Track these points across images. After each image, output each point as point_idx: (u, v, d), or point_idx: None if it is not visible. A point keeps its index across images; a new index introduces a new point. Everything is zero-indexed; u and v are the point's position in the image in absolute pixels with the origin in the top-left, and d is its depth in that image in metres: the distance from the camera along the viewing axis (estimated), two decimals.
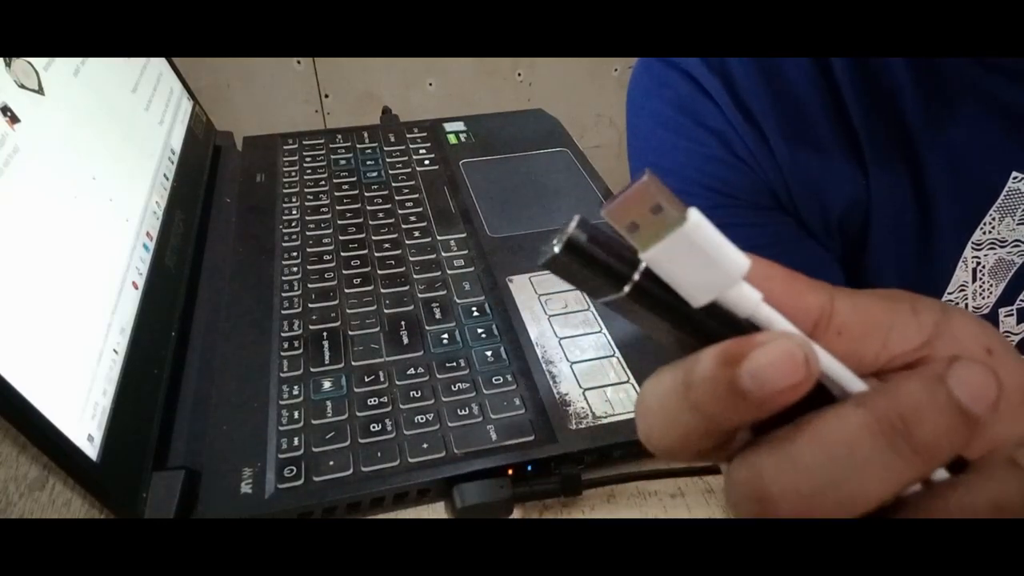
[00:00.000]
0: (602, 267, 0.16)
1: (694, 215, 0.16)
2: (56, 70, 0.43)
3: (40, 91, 0.41)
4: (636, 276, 0.16)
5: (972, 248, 0.44)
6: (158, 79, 0.59)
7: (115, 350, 0.39)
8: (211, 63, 1.22)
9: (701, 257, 0.16)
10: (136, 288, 0.43)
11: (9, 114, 0.37)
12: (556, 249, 0.16)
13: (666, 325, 0.17)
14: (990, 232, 0.43)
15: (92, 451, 0.34)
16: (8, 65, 0.39)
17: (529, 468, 0.38)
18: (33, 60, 0.41)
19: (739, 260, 0.16)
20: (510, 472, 0.37)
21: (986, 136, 0.41)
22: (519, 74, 1.42)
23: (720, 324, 0.17)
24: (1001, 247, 0.44)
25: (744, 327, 0.17)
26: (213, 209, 0.58)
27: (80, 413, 0.34)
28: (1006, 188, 0.42)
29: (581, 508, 0.38)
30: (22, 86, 0.39)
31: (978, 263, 0.44)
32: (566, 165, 0.63)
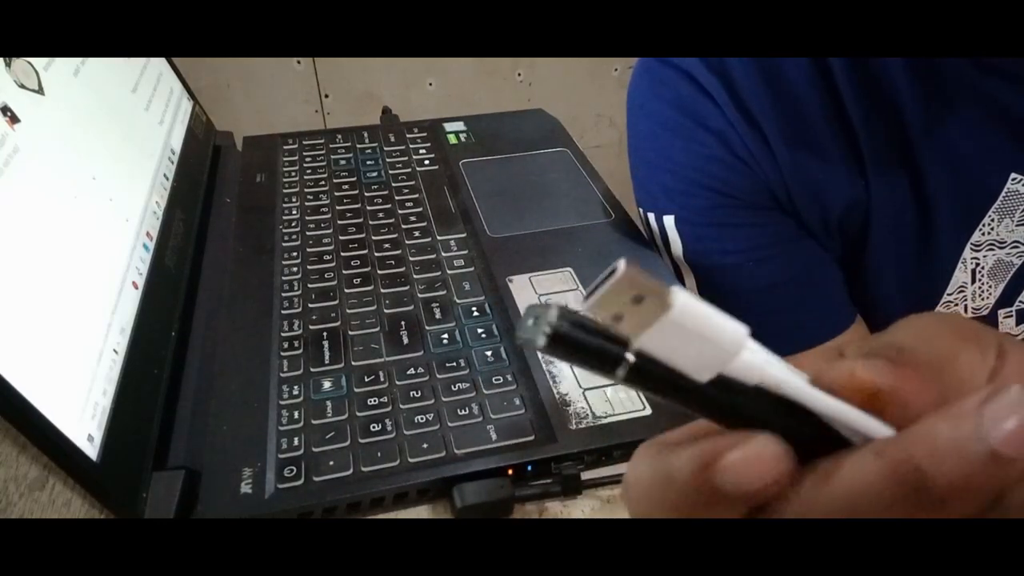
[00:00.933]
0: (592, 353, 0.15)
1: (679, 298, 0.15)
2: (56, 70, 0.43)
3: (40, 91, 0.41)
4: (630, 358, 0.15)
5: (971, 249, 0.44)
6: (158, 79, 0.59)
7: (115, 350, 0.39)
8: (211, 63, 1.22)
9: (694, 337, 0.15)
10: (136, 288, 0.43)
11: (9, 114, 0.37)
12: (540, 342, 0.15)
13: (671, 400, 0.17)
14: (989, 233, 0.43)
15: (92, 451, 0.34)
16: (8, 65, 0.39)
17: (529, 468, 0.38)
18: (33, 60, 0.41)
19: (734, 331, 0.15)
20: (510, 472, 0.37)
21: (985, 138, 0.41)
22: (519, 74, 1.42)
23: (727, 393, 0.16)
24: (1000, 248, 0.44)
25: (753, 394, 0.16)
26: (213, 209, 0.58)
27: (80, 413, 0.34)
28: (1005, 189, 0.42)
29: (581, 508, 0.38)
30: (22, 86, 0.39)
31: (977, 264, 0.44)
32: (566, 165, 0.63)
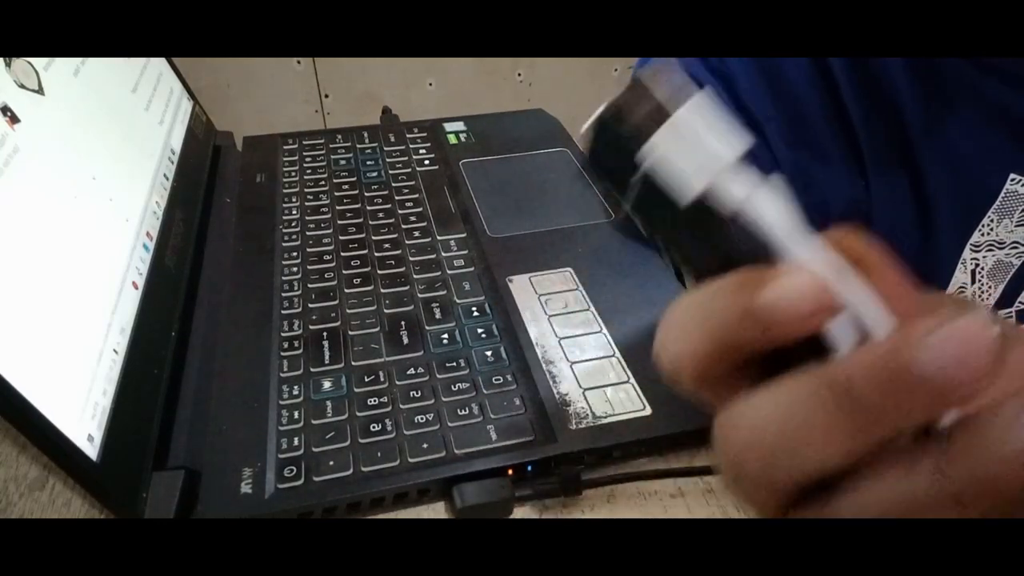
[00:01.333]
0: (622, 144, 0.16)
1: (693, 98, 0.16)
2: (56, 70, 0.43)
3: (40, 91, 0.41)
4: (645, 158, 0.16)
5: (971, 249, 0.44)
6: (158, 79, 0.59)
7: (115, 350, 0.39)
8: (211, 63, 1.22)
9: (695, 139, 0.16)
10: (136, 288, 0.43)
11: (9, 114, 0.37)
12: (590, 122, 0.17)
13: (660, 232, 0.17)
14: (988, 234, 0.43)
15: (92, 451, 0.34)
16: (8, 65, 0.39)
17: (529, 468, 0.38)
18: (33, 60, 0.41)
19: (730, 141, 0.16)
20: (510, 472, 0.37)
21: (984, 138, 0.41)
22: (519, 74, 1.42)
23: (705, 217, 0.17)
24: (999, 249, 0.44)
25: (728, 224, 0.17)
26: (213, 209, 0.58)
27: (80, 413, 0.34)
28: (1004, 190, 0.42)
29: (581, 508, 0.38)
30: (22, 86, 0.39)
31: (977, 265, 0.44)
32: (566, 165, 0.63)
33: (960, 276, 0.45)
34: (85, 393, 0.35)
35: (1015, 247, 0.44)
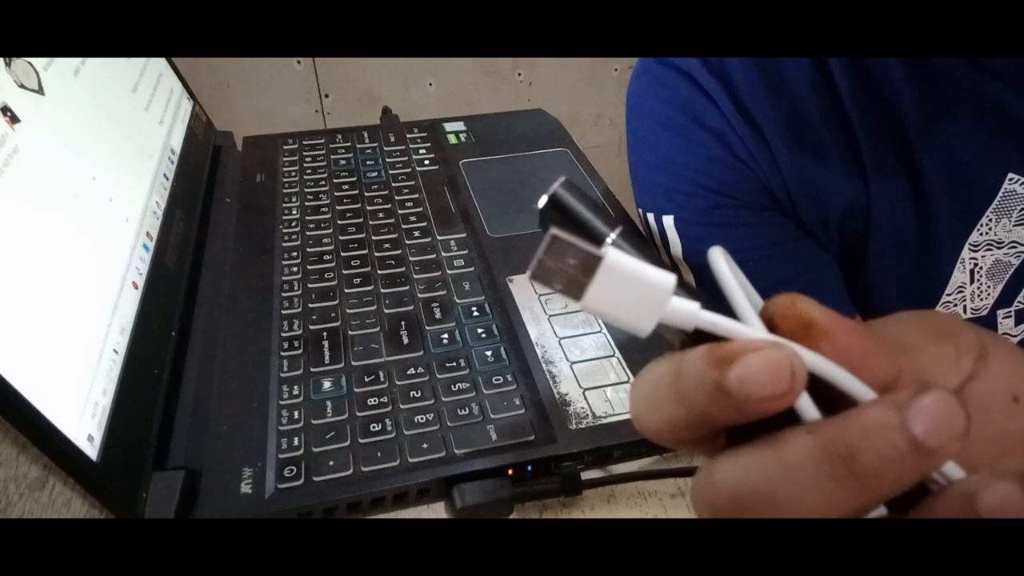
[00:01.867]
0: (584, 222, 0.18)
1: (610, 251, 0.17)
2: (56, 70, 0.43)
3: (40, 91, 0.41)
4: (611, 237, 0.18)
5: (969, 249, 0.44)
6: (158, 79, 0.59)
7: (115, 350, 0.39)
8: (211, 63, 1.22)
9: (629, 286, 0.17)
10: (136, 288, 0.43)
11: (9, 114, 0.37)
12: (539, 203, 0.18)
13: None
14: (987, 233, 0.43)
15: (92, 451, 0.34)
16: (8, 65, 0.39)
17: (529, 468, 0.38)
18: (33, 60, 0.41)
19: (662, 278, 0.17)
20: (510, 472, 0.37)
21: (983, 139, 0.41)
22: (519, 74, 1.42)
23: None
24: (998, 248, 0.44)
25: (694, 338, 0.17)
26: (213, 209, 0.58)
27: (80, 413, 0.34)
28: (1002, 189, 0.42)
29: (581, 508, 0.38)
30: (22, 86, 0.39)
31: (976, 264, 0.44)
32: (566, 165, 0.63)
33: (959, 276, 0.45)
34: (85, 393, 0.35)
35: (1013, 246, 0.44)
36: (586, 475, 0.38)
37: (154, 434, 0.38)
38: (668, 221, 0.48)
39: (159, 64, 0.60)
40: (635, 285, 0.17)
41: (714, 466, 0.17)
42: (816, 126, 0.43)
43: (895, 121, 0.42)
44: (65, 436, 0.32)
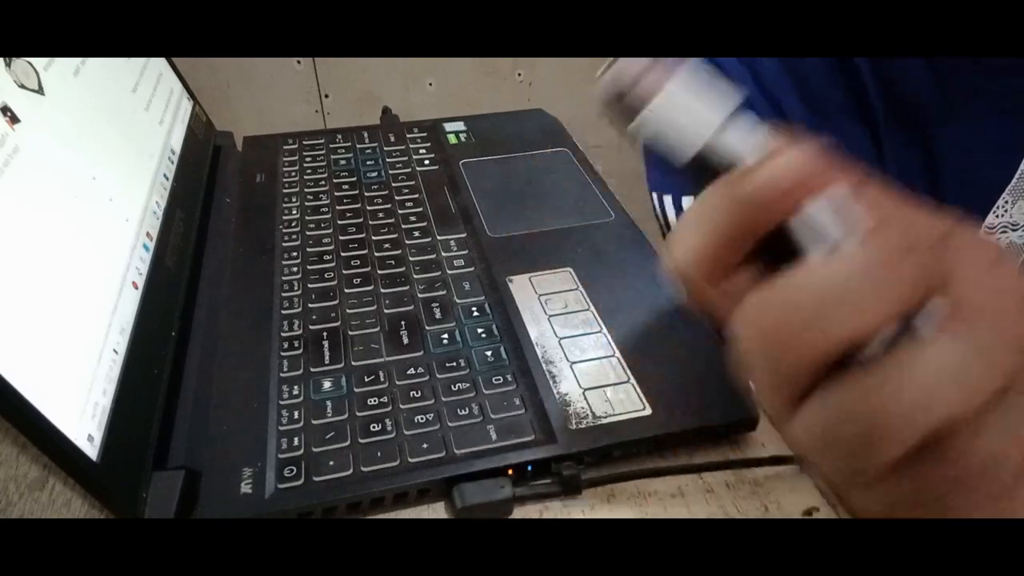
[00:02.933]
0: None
1: (682, 68, 0.19)
2: (56, 70, 0.43)
3: (40, 91, 0.41)
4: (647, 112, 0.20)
5: (986, 231, 0.44)
6: (158, 79, 0.59)
7: (115, 350, 0.39)
8: (211, 63, 1.22)
9: (692, 100, 0.19)
10: (136, 288, 0.43)
11: (9, 114, 0.37)
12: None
13: None
14: (1003, 216, 0.44)
15: (92, 451, 0.34)
16: (8, 65, 0.39)
17: (529, 468, 0.38)
18: (33, 60, 0.41)
19: (724, 98, 0.19)
20: (510, 472, 0.37)
21: (1000, 123, 0.42)
22: (519, 74, 1.42)
23: (704, 174, 0.19)
24: (1013, 231, 0.44)
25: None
26: (213, 209, 0.58)
27: (80, 413, 0.34)
28: (1019, 171, 0.42)
29: (581, 508, 0.38)
30: (22, 86, 0.39)
31: None
32: (566, 165, 0.63)
33: None
34: (85, 393, 0.35)
35: None
36: (586, 475, 0.38)
37: (154, 434, 0.38)
38: (688, 202, 0.49)
39: (159, 64, 0.60)
40: (698, 95, 0.19)
41: (767, 284, 0.18)
42: (834, 107, 0.44)
43: (913, 107, 0.42)
44: (65, 436, 0.32)
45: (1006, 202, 0.43)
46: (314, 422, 0.39)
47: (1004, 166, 0.42)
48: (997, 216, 0.44)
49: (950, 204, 0.44)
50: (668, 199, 0.49)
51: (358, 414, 0.40)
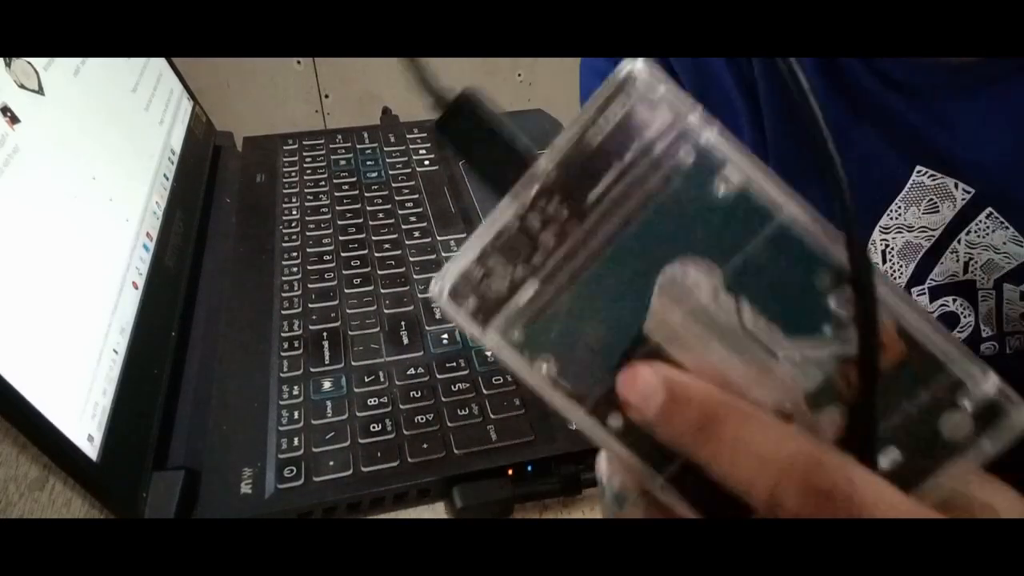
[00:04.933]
0: None
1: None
2: (56, 70, 0.43)
3: (40, 91, 0.41)
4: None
5: (880, 231, 0.45)
6: (158, 79, 0.59)
7: (115, 350, 0.39)
8: (211, 63, 1.22)
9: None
10: (136, 288, 0.43)
11: (9, 114, 0.37)
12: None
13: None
14: (897, 219, 0.44)
15: (92, 451, 0.34)
16: (8, 65, 0.39)
17: (529, 468, 0.38)
18: (33, 60, 0.41)
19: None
20: (510, 472, 0.37)
21: (889, 137, 0.42)
22: (519, 74, 1.42)
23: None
24: (908, 232, 0.44)
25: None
26: (213, 209, 0.58)
27: (80, 413, 0.34)
28: (910, 181, 0.43)
29: (581, 508, 0.38)
30: (22, 86, 0.39)
31: (887, 245, 0.45)
32: None
33: (871, 256, 0.46)
34: (85, 393, 0.35)
35: (923, 231, 0.44)
36: (586, 475, 0.38)
37: (154, 434, 0.38)
38: None
39: (159, 64, 0.60)
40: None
41: None
42: (727, 89, 0.45)
43: (803, 113, 0.43)
44: (65, 436, 0.32)
45: (899, 207, 0.44)
46: (314, 422, 0.39)
47: (896, 176, 0.43)
48: (891, 219, 0.44)
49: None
50: None
51: (358, 414, 0.40)
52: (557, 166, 0.18)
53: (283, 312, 0.47)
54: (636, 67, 0.17)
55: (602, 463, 0.22)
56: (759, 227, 0.18)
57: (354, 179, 0.61)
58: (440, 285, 0.19)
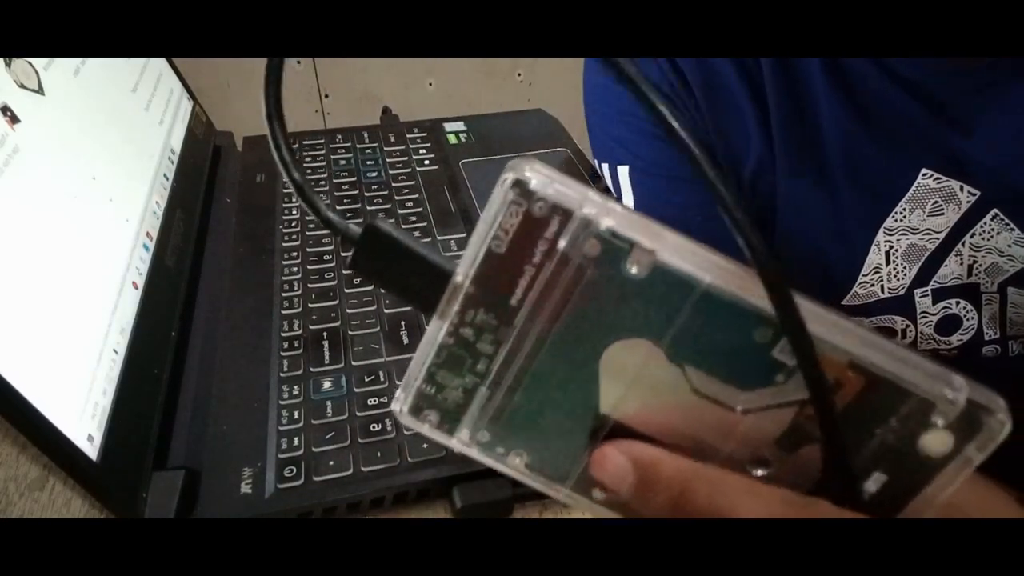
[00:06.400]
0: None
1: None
2: (56, 70, 0.43)
3: (40, 91, 0.41)
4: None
5: (885, 233, 0.45)
6: (158, 79, 0.59)
7: (115, 350, 0.39)
8: (211, 63, 1.22)
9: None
10: (136, 288, 0.43)
11: (9, 114, 0.37)
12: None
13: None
14: (902, 220, 0.44)
15: (92, 451, 0.34)
16: (8, 65, 0.39)
17: None
18: (33, 60, 0.41)
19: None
20: None
21: (895, 138, 0.42)
22: (519, 74, 1.42)
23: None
24: (913, 234, 0.44)
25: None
26: (213, 209, 0.58)
27: (80, 413, 0.34)
28: (915, 184, 0.43)
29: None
30: (22, 86, 0.39)
31: (891, 247, 0.45)
32: (566, 165, 0.63)
33: (874, 257, 0.46)
34: (85, 393, 0.35)
35: (928, 233, 0.44)
36: None
37: (154, 434, 0.38)
38: (623, 171, 0.49)
39: (159, 64, 0.60)
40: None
41: None
42: (734, 91, 0.44)
43: (809, 115, 0.43)
44: (65, 436, 0.32)
45: (904, 210, 0.44)
46: (314, 422, 0.39)
47: (901, 178, 0.43)
48: (896, 220, 0.44)
49: (844, 213, 0.45)
50: (606, 166, 0.51)
51: (358, 414, 0.40)
52: (473, 281, 0.18)
53: (283, 312, 0.47)
54: (522, 173, 0.17)
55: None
56: (684, 297, 0.18)
57: (354, 179, 0.61)
58: (400, 405, 0.20)
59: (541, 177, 0.18)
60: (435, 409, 0.20)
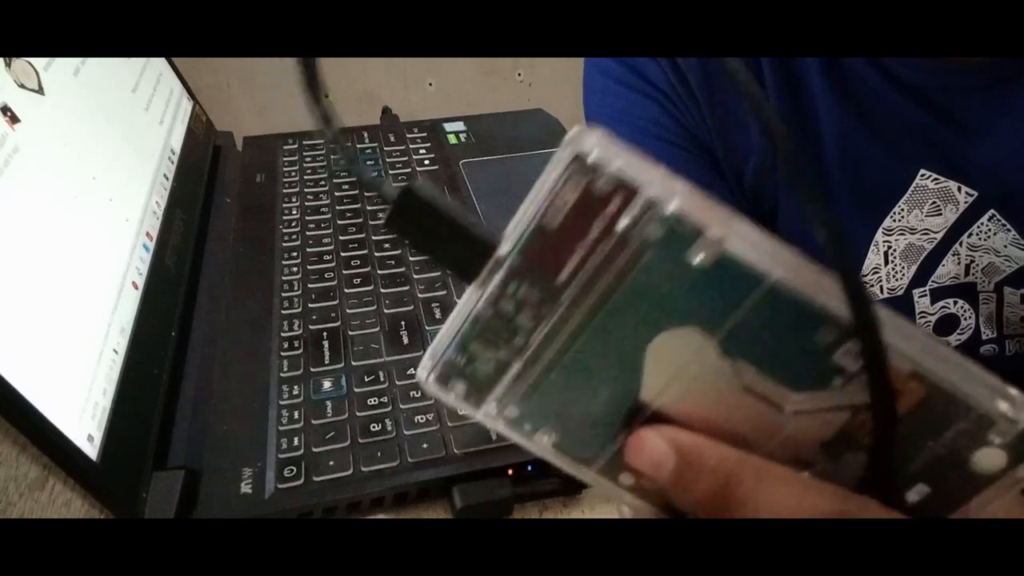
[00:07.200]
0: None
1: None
2: (56, 70, 0.43)
3: (40, 91, 0.41)
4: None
5: (883, 233, 0.45)
6: (158, 79, 0.59)
7: (115, 350, 0.39)
8: (211, 63, 1.22)
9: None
10: (136, 288, 0.43)
11: (9, 114, 0.37)
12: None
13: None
14: (900, 221, 0.44)
15: (92, 451, 0.34)
16: (8, 65, 0.39)
17: (529, 468, 0.38)
18: (33, 60, 0.41)
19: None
20: (510, 472, 0.37)
21: (893, 140, 0.42)
22: (519, 74, 1.42)
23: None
24: (911, 234, 0.45)
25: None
26: (213, 209, 0.58)
27: (80, 413, 0.34)
28: (914, 184, 0.43)
29: (581, 508, 0.38)
30: (22, 86, 0.39)
31: (889, 247, 0.45)
32: None
33: (873, 258, 0.46)
34: (85, 393, 0.35)
35: (926, 233, 0.44)
36: None
37: (154, 434, 0.38)
38: None
39: (159, 64, 0.60)
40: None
41: None
42: (740, 108, 0.45)
43: (808, 115, 0.43)
44: (65, 436, 0.32)
45: (902, 210, 0.44)
46: (314, 422, 0.39)
47: (899, 179, 0.43)
48: (895, 221, 0.44)
49: (845, 211, 0.45)
50: None
51: (358, 414, 0.40)
52: (520, 252, 0.18)
53: (283, 312, 0.47)
54: (585, 145, 0.16)
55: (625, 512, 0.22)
56: (747, 291, 0.17)
57: (354, 179, 0.61)
58: (426, 373, 0.19)
59: (606, 150, 0.16)
60: (464, 380, 0.19)
